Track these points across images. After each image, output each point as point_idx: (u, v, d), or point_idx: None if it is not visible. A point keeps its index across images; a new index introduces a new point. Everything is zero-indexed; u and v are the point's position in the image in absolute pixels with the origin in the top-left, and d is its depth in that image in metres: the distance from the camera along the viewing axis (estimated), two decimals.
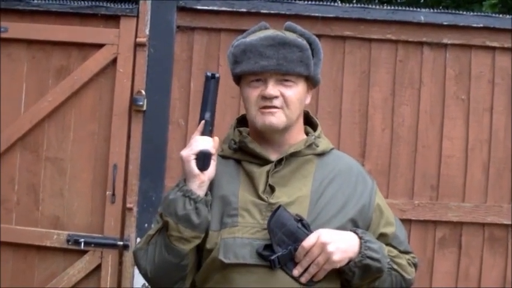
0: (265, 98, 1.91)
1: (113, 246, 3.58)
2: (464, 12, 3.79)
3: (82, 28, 3.65)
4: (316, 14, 3.65)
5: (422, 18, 3.68)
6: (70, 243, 3.58)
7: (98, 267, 3.60)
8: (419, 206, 3.68)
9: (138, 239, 3.59)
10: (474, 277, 3.72)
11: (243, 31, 2.03)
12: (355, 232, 1.90)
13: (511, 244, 3.72)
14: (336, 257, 1.84)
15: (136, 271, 3.53)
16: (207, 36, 3.70)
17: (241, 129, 2.04)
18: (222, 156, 2.02)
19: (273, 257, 1.82)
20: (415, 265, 2.07)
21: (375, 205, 2.00)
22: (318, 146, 2.01)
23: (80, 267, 3.59)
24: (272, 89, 1.91)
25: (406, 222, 3.57)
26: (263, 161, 1.96)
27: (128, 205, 3.60)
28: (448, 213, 3.69)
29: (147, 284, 3.58)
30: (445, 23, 3.69)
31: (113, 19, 3.64)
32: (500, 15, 3.76)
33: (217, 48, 3.69)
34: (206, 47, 3.70)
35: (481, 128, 3.74)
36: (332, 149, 2.06)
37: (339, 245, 1.84)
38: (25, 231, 3.60)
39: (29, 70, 3.66)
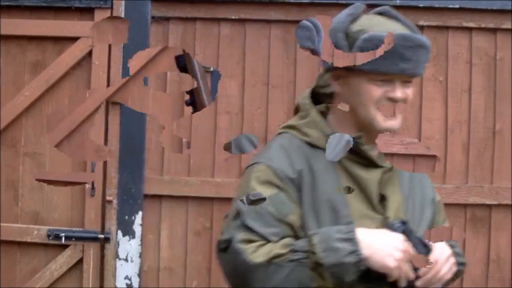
0: (390, 99, 1.81)
1: (94, 239, 3.57)
2: None
3: (56, 22, 3.63)
4: (291, 0, 3.63)
5: (397, 2, 3.66)
6: (51, 238, 3.56)
7: (80, 261, 3.58)
8: None
9: (119, 232, 3.58)
10: None
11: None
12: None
13: (494, 224, 3.72)
14: (450, 274, 1.81)
15: (119, 263, 3.55)
16: (182, 26, 3.68)
17: (330, 116, 1.88)
18: (310, 144, 1.85)
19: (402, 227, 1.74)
20: None
21: (437, 199, 1.99)
22: None
23: (61, 262, 3.58)
24: (400, 91, 1.80)
25: None
26: (366, 161, 1.84)
27: (108, 198, 3.59)
28: None
29: (129, 276, 3.57)
30: (420, 5, 3.67)
31: (87, 11, 3.63)
32: None
33: (192, 37, 3.66)
34: (182, 37, 3.68)
35: (460, 109, 3.73)
36: None
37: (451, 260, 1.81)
38: (5, 227, 3.58)
39: (5, 65, 3.64)
